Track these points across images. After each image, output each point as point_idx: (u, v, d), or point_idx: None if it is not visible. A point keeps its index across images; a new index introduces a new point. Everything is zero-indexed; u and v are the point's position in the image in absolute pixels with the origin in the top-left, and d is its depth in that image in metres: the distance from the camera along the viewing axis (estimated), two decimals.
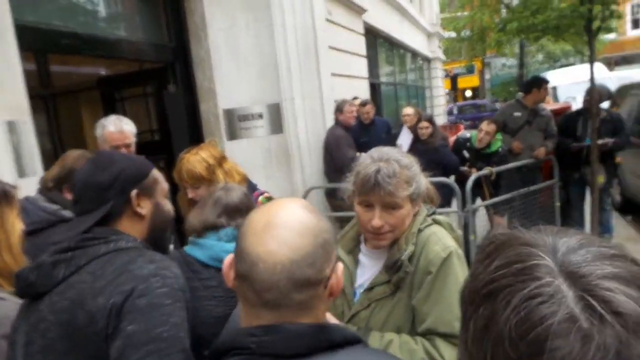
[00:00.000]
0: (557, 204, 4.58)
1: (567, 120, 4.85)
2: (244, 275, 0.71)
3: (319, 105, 5.04)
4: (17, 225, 1.34)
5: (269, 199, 2.17)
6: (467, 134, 4.94)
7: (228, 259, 0.78)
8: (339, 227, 3.72)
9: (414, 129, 4.82)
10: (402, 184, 1.24)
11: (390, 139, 5.35)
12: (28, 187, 2.07)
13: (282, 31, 4.54)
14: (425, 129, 4.50)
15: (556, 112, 4.79)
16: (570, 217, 4.86)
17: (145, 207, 1.14)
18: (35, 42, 3.06)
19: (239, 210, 1.51)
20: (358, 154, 4.46)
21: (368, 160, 1.28)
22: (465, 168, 4.40)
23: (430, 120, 4.59)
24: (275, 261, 0.68)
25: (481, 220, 4.88)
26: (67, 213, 1.72)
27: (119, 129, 2.67)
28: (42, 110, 6.46)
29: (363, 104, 5.43)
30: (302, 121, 4.84)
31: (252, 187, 2.24)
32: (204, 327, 1.37)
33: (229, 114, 4.52)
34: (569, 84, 11.47)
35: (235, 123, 4.56)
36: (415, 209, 1.33)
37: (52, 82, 6.31)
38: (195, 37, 4.38)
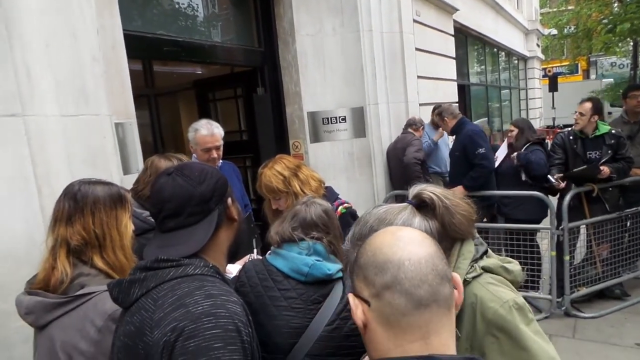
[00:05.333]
0: None
1: None
2: (388, 284, 0.73)
3: (404, 109, 4.95)
4: (129, 227, 1.41)
5: (349, 209, 2.16)
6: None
7: (351, 299, 0.78)
8: None
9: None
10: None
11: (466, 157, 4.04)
12: (131, 184, 2.28)
13: (368, 36, 4.52)
14: (511, 132, 4.35)
15: None
16: None
17: (235, 211, 1.20)
18: (140, 50, 3.33)
19: (315, 226, 1.53)
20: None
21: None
22: (553, 180, 3.85)
23: (517, 124, 4.36)
24: (419, 257, 0.74)
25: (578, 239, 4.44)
26: None
27: (210, 132, 2.84)
28: (146, 107, 7.09)
29: (434, 109, 4.69)
30: (386, 125, 4.78)
31: (333, 195, 2.24)
32: (281, 336, 1.41)
33: (313, 116, 4.60)
34: None
35: (319, 126, 4.62)
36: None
37: (155, 83, 6.88)
38: (283, 41, 4.51)
